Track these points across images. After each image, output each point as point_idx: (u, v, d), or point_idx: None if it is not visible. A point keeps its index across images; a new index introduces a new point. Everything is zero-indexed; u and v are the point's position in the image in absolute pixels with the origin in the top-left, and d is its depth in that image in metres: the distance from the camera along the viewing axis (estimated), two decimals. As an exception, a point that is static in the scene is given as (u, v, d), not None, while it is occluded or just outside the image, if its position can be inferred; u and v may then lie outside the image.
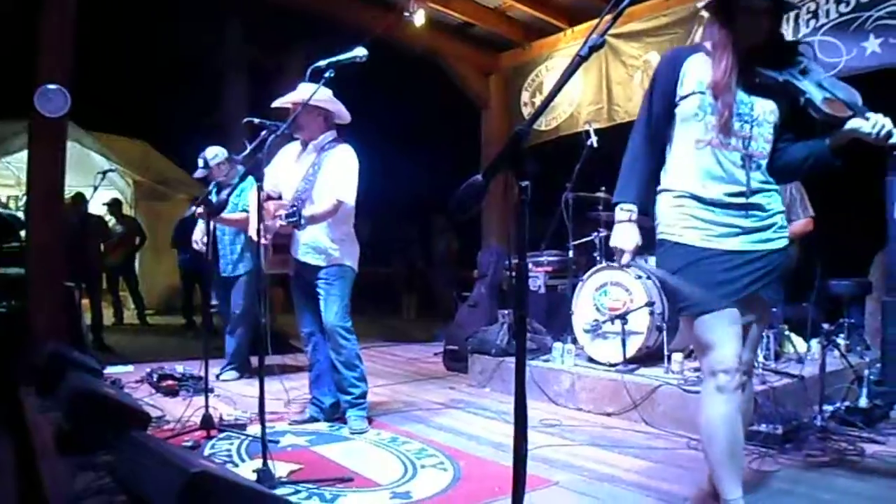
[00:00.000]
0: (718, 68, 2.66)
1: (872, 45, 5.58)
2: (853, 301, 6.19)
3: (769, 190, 2.75)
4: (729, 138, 2.68)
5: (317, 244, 4.38)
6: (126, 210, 11.39)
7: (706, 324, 2.68)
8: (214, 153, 5.92)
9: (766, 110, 2.70)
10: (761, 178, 2.73)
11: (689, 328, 2.78)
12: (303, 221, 4.09)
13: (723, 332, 2.67)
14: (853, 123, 2.53)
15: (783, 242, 2.78)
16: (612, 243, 2.92)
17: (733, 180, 2.69)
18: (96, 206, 9.54)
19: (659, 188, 2.88)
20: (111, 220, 10.67)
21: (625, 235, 2.88)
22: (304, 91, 4.18)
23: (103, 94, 10.12)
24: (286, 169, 4.51)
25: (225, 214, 5.52)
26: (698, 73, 2.73)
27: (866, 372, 4.99)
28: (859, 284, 6.00)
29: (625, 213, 2.86)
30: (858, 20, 5.64)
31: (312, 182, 4.36)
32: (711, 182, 2.71)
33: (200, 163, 5.90)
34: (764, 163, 2.74)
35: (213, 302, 5.92)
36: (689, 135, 2.75)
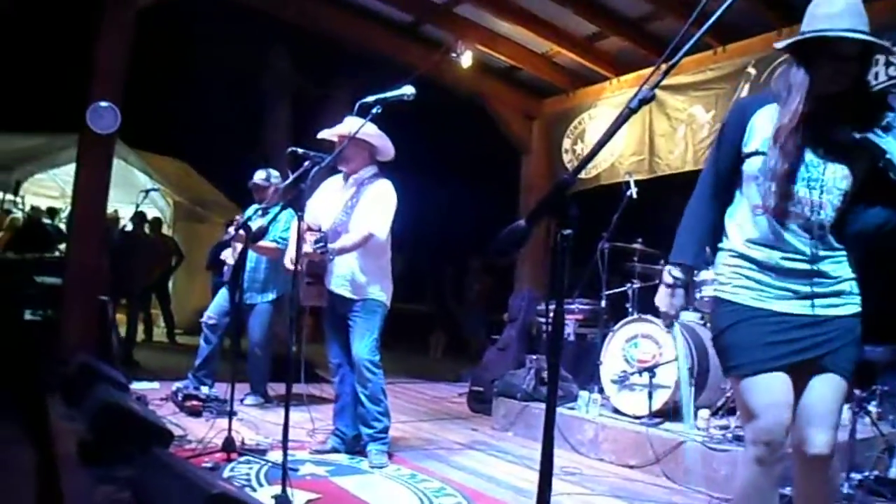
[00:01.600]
0: (785, 113, 2.41)
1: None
2: (887, 367, 6.07)
3: (836, 256, 2.50)
4: (790, 205, 2.44)
5: (350, 277, 4.41)
6: (165, 230, 11.53)
7: (750, 388, 2.48)
8: (278, 174, 5.99)
9: (838, 175, 2.42)
10: (828, 244, 2.48)
11: (736, 391, 2.59)
12: (329, 249, 4.12)
13: (768, 398, 2.46)
14: None
15: (854, 309, 2.52)
16: (656, 302, 2.75)
17: (794, 249, 2.47)
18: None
19: (720, 245, 2.68)
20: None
21: (668, 299, 2.70)
22: (351, 124, 4.23)
23: (149, 113, 10.31)
24: (326, 201, 4.55)
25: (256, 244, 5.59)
26: (766, 128, 2.48)
27: (897, 442, 4.89)
28: (894, 351, 5.89)
29: (671, 276, 2.69)
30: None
31: (350, 214, 4.40)
32: (769, 249, 2.50)
33: (262, 174, 5.96)
34: (830, 228, 2.46)
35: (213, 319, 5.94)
36: (749, 197, 2.54)
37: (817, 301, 2.49)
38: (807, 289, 2.48)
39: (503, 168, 10.02)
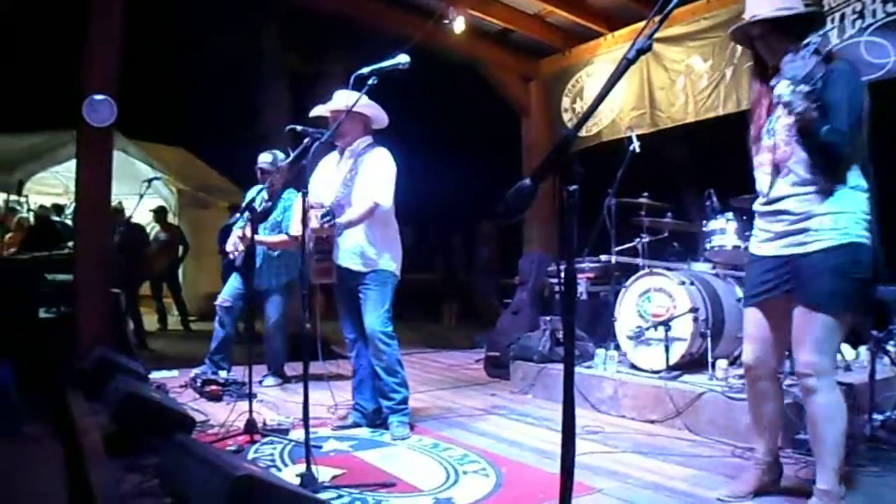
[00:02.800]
0: (751, 92, 3.19)
1: (921, 44, 5.45)
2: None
3: (801, 194, 2.96)
4: (760, 155, 3.15)
5: (358, 249, 4.40)
6: (170, 218, 11.55)
7: (744, 319, 3.31)
8: (283, 156, 5.98)
9: (783, 122, 3.01)
10: (791, 181, 3.00)
11: None
12: (337, 223, 4.12)
13: (747, 329, 3.28)
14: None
15: (822, 245, 2.90)
16: None
17: (764, 192, 3.12)
18: (142, 214, 9.69)
19: None
20: (156, 228, 10.85)
21: None
22: (343, 98, 4.22)
23: (146, 102, 10.27)
24: (326, 178, 4.53)
25: (266, 238, 5.60)
26: None
27: (917, 380, 4.89)
28: (909, 291, 5.87)
29: None
30: (908, 19, 5.51)
31: (350, 187, 4.38)
32: (760, 198, 3.18)
33: (268, 157, 5.92)
34: (797, 167, 2.98)
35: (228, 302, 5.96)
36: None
37: (784, 241, 3.03)
38: (777, 227, 3.05)
39: (504, 132, 9.97)
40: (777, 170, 3.04)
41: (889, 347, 5.37)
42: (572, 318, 1.83)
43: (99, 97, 5.54)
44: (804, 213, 2.94)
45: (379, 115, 4.54)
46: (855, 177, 2.93)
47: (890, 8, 5.57)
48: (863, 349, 5.26)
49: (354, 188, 4.37)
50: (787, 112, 2.88)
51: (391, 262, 4.49)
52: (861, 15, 5.76)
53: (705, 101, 7.11)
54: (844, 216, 2.87)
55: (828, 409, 2.94)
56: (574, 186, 1.71)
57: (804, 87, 2.73)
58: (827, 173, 2.91)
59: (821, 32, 2.88)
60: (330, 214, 4.09)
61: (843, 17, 5.85)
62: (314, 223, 4.06)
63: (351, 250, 4.40)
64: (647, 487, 3.48)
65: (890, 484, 3.42)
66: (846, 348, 5.32)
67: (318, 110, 4.48)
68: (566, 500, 1.71)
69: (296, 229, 4.22)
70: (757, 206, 3.21)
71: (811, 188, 2.93)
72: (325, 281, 4.46)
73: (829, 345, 2.94)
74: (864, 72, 5.69)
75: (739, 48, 6.64)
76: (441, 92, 11.06)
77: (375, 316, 4.40)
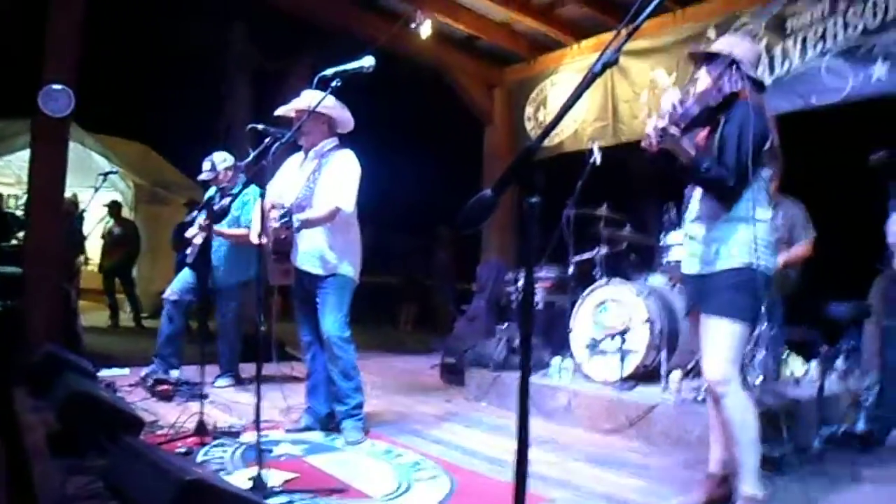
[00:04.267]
0: None
1: (879, 71, 5.54)
2: (852, 324, 6.16)
3: (703, 221, 3.26)
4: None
5: (317, 252, 4.35)
6: (126, 213, 11.37)
7: None
8: (223, 157, 5.90)
9: None
10: (696, 210, 3.32)
11: None
12: (296, 224, 4.08)
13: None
14: None
15: (723, 265, 3.15)
16: None
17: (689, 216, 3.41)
18: (96, 209, 9.53)
19: None
20: (110, 223, 10.67)
21: None
22: (309, 98, 4.18)
23: (105, 95, 10.10)
24: (289, 179, 4.48)
25: (225, 229, 5.54)
26: None
27: (864, 396, 4.98)
28: (859, 308, 5.97)
29: None
30: (865, 46, 5.62)
31: (313, 189, 4.34)
32: None
33: (207, 165, 5.87)
34: (699, 197, 3.30)
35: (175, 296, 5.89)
36: None
37: (693, 261, 3.31)
38: (690, 249, 3.35)
39: (466, 138, 9.96)
40: (689, 198, 3.41)
41: (838, 363, 5.48)
42: (529, 329, 1.83)
43: (57, 87, 5.44)
44: (713, 237, 3.21)
45: (344, 117, 4.50)
46: (750, 208, 3.11)
47: (850, 33, 5.68)
48: (813, 364, 5.34)
49: (317, 190, 4.33)
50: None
51: (350, 267, 4.45)
52: (822, 39, 5.85)
53: (668, 117, 7.16)
54: (744, 246, 3.10)
55: (733, 413, 3.10)
56: (535, 199, 1.70)
57: (674, 129, 3.09)
58: (721, 203, 3.16)
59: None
60: (288, 215, 4.05)
61: (804, 41, 5.95)
62: (273, 223, 4.02)
63: (310, 253, 4.36)
64: (599, 498, 3.50)
65: (834, 497, 3.47)
66: (797, 363, 5.41)
67: (283, 110, 4.44)
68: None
69: (255, 230, 4.17)
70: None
71: (713, 217, 3.21)
72: (284, 283, 4.42)
73: (727, 351, 3.10)
74: (823, 96, 5.81)
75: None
76: (404, 95, 11.03)
77: (332, 320, 4.36)
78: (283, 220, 4.03)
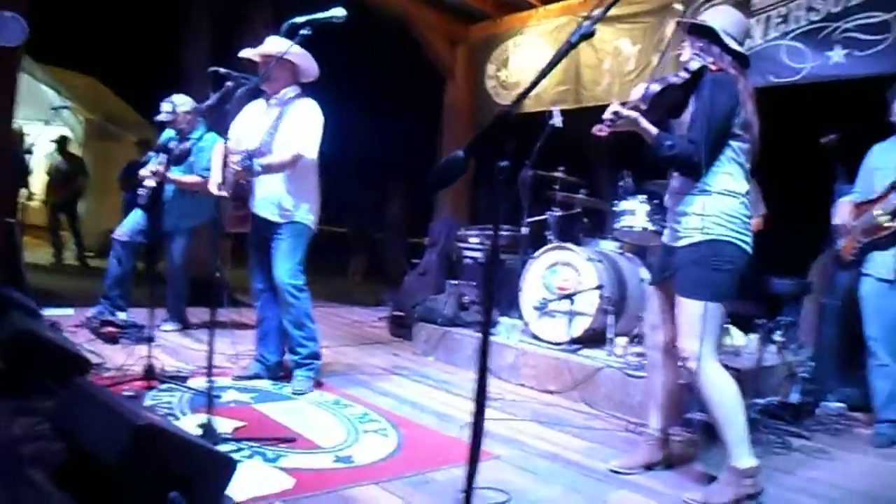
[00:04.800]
0: None
1: (837, 55, 5.66)
2: (793, 300, 6.33)
3: (677, 194, 3.26)
4: None
5: (275, 199, 4.31)
6: (75, 149, 11.09)
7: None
8: (184, 100, 5.76)
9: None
10: (672, 183, 3.33)
11: None
12: (257, 168, 4.03)
13: (648, 305, 3.60)
14: None
15: (688, 241, 3.15)
16: None
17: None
18: (44, 143, 9.28)
19: None
20: (57, 158, 10.41)
21: None
22: (276, 44, 4.11)
23: (57, 25, 9.79)
24: (249, 125, 4.40)
25: (180, 176, 5.45)
26: None
27: (798, 369, 5.15)
28: (799, 284, 6.13)
29: None
30: (826, 30, 5.72)
31: (273, 135, 4.28)
32: None
33: (167, 107, 5.72)
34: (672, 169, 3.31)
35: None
36: None
37: (668, 232, 3.37)
38: (668, 220, 3.39)
39: (426, 92, 9.89)
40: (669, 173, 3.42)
41: (776, 337, 5.64)
42: (492, 292, 1.86)
43: (8, 14, 5.24)
44: (679, 211, 3.23)
45: (310, 67, 4.43)
46: (725, 181, 3.12)
47: (813, 17, 5.77)
48: (752, 337, 5.49)
49: (278, 136, 4.27)
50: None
51: (308, 215, 4.42)
52: (785, 19, 5.93)
53: (630, 84, 7.20)
54: (709, 219, 3.09)
55: (709, 391, 3.12)
56: (505, 163, 1.72)
57: (628, 111, 3.14)
58: (690, 178, 3.16)
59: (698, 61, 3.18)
60: (248, 159, 3.99)
61: (768, 20, 6.01)
62: (234, 167, 3.97)
63: (268, 199, 4.32)
64: (543, 456, 3.58)
65: (765, 465, 3.58)
66: (738, 336, 5.55)
67: (248, 52, 4.34)
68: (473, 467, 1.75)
69: (216, 179, 4.11)
70: None
71: (684, 190, 3.21)
72: (241, 230, 4.37)
73: (700, 330, 3.08)
74: (783, 74, 5.90)
75: (668, 36, 6.79)
76: (367, 47, 10.89)
77: (287, 268, 4.33)
78: (243, 165, 3.97)
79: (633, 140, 3.28)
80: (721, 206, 3.10)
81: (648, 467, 3.49)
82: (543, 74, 1.81)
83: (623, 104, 3.21)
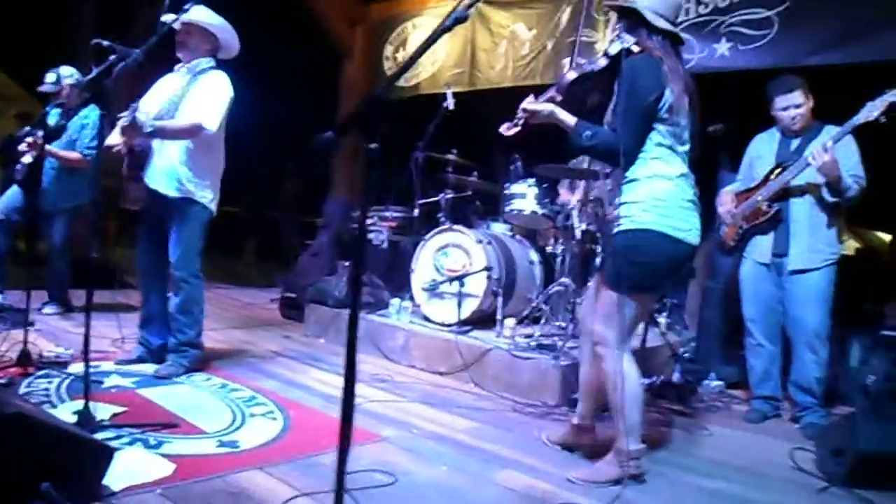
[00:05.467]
0: None
1: (723, 48, 5.91)
2: (678, 283, 6.59)
3: (612, 182, 3.25)
4: None
5: (173, 172, 4.14)
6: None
7: None
8: (70, 72, 5.53)
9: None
10: (617, 173, 3.18)
11: None
12: (147, 127, 3.87)
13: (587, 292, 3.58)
14: None
15: (618, 229, 3.10)
16: None
17: None
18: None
19: None
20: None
21: None
22: (200, 14, 4.04)
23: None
24: (159, 95, 4.24)
25: (59, 150, 5.26)
26: None
27: (681, 350, 5.36)
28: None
29: None
30: (713, 23, 5.97)
31: (177, 103, 4.11)
32: None
33: (52, 77, 5.49)
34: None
35: None
36: None
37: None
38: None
39: (324, 71, 9.77)
40: None
41: (661, 319, 5.85)
42: (360, 271, 1.87)
43: None
44: (617, 201, 3.15)
45: (232, 43, 4.34)
46: (655, 166, 3.07)
47: (702, 10, 6.02)
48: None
49: (181, 104, 4.11)
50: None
51: (208, 193, 4.29)
52: (676, 12, 6.14)
53: (524, 69, 7.35)
54: (635, 205, 3.05)
55: (612, 378, 3.14)
56: (375, 145, 1.73)
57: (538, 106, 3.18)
58: (615, 166, 3.13)
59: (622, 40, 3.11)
60: (133, 113, 3.81)
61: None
62: (122, 122, 3.81)
63: (164, 171, 4.14)
64: (430, 437, 3.62)
65: (647, 442, 3.72)
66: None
67: (169, 18, 4.12)
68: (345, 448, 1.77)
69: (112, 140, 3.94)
70: None
71: (617, 178, 3.15)
72: (134, 207, 4.21)
73: (614, 319, 3.07)
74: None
75: (564, 22, 6.92)
76: (264, 23, 10.66)
77: (183, 252, 4.21)
78: (130, 119, 3.79)
79: (536, 127, 3.25)
80: (650, 191, 3.05)
81: (570, 449, 3.59)
82: (413, 59, 1.83)
83: (536, 97, 3.21)
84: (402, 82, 8.37)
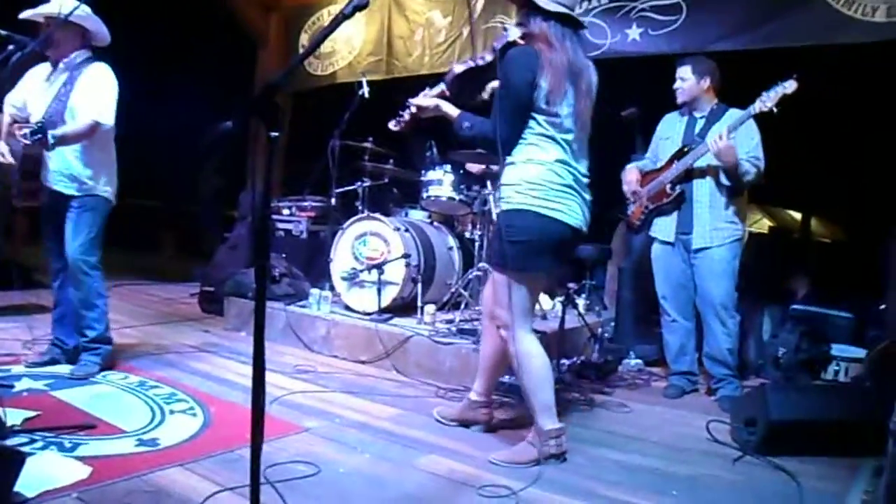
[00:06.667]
0: None
1: (634, 33, 6.08)
2: (596, 265, 6.73)
3: (503, 168, 3.25)
4: None
5: (70, 171, 4.05)
6: None
7: None
8: None
9: None
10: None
11: None
12: (51, 140, 3.76)
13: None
14: None
15: (498, 210, 3.33)
16: None
17: None
18: None
19: None
20: None
21: None
22: (61, 4, 3.87)
23: None
24: (35, 91, 4.10)
25: None
26: None
27: (601, 330, 5.48)
28: (601, 250, 6.50)
29: None
30: (625, 9, 6.13)
31: (64, 102, 3.99)
32: None
33: None
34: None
35: None
36: None
37: None
38: None
39: (239, 60, 9.63)
40: None
41: (580, 300, 5.97)
42: (265, 262, 1.88)
43: None
44: (502, 182, 3.29)
45: (100, 31, 4.19)
46: (530, 151, 3.16)
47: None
48: (558, 300, 5.78)
49: (69, 103, 3.99)
50: None
51: (106, 187, 4.19)
52: (589, -3, 6.29)
53: (441, 56, 7.38)
54: (510, 187, 3.19)
55: (519, 359, 3.22)
56: (276, 134, 1.74)
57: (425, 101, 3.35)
58: (493, 154, 3.17)
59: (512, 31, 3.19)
60: (42, 131, 3.73)
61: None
62: (23, 140, 3.71)
63: (61, 171, 4.05)
64: (353, 426, 3.64)
65: (568, 420, 3.80)
66: (545, 299, 5.82)
67: (29, 14, 4.01)
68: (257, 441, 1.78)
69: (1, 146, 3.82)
70: None
71: (503, 163, 3.24)
72: (31, 203, 4.10)
73: (505, 299, 3.17)
74: (586, 50, 6.24)
75: (479, 9, 6.97)
76: (177, 11, 10.43)
77: (79, 243, 4.09)
78: (35, 138, 3.70)
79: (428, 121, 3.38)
80: (523, 174, 3.14)
81: (466, 425, 3.68)
82: (311, 49, 1.85)
83: (431, 88, 3.33)
84: (318, 71, 8.32)
